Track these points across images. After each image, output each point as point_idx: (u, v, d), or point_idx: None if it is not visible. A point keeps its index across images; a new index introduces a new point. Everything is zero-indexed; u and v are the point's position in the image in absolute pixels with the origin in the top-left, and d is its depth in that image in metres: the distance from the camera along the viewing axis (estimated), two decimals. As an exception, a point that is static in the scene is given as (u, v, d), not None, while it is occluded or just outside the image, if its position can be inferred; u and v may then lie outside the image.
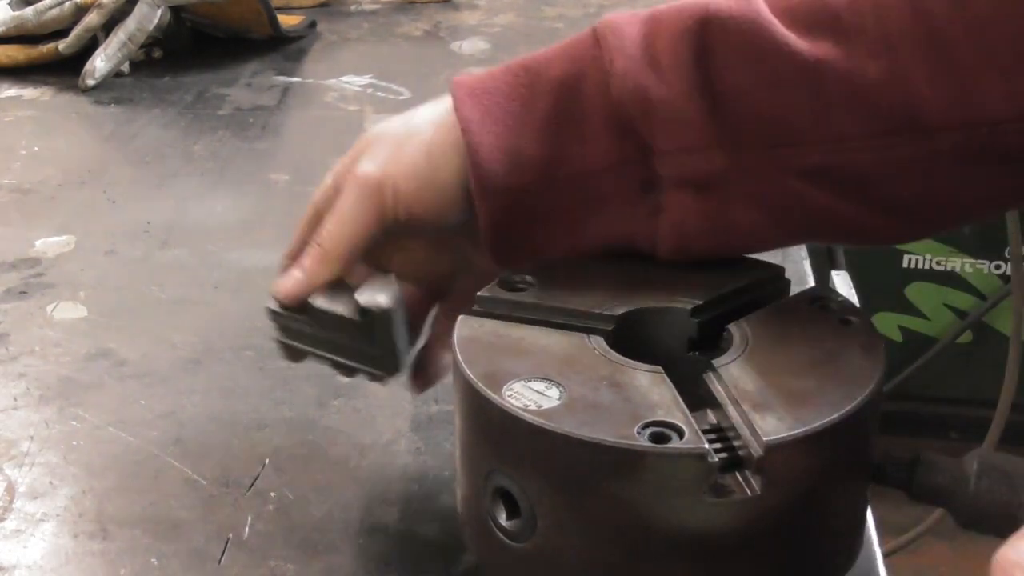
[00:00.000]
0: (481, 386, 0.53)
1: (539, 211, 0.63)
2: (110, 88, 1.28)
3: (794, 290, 0.78)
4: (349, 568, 0.64)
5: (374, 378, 0.68)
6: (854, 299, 0.80)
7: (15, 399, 0.78)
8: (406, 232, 0.66)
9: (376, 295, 0.64)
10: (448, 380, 0.73)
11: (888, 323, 2.15)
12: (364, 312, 0.64)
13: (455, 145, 0.64)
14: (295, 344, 0.68)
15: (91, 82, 1.27)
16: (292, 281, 0.66)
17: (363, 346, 0.66)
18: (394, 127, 0.67)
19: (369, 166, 0.65)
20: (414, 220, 0.64)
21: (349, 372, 0.69)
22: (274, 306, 0.67)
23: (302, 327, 0.67)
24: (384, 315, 0.64)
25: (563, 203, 0.63)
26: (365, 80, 1.29)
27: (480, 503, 0.55)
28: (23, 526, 0.67)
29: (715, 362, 0.56)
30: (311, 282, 0.65)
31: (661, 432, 0.50)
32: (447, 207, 0.64)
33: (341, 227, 0.65)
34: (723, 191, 0.61)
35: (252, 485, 0.70)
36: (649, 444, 0.50)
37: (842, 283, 0.82)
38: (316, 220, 0.67)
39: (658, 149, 0.61)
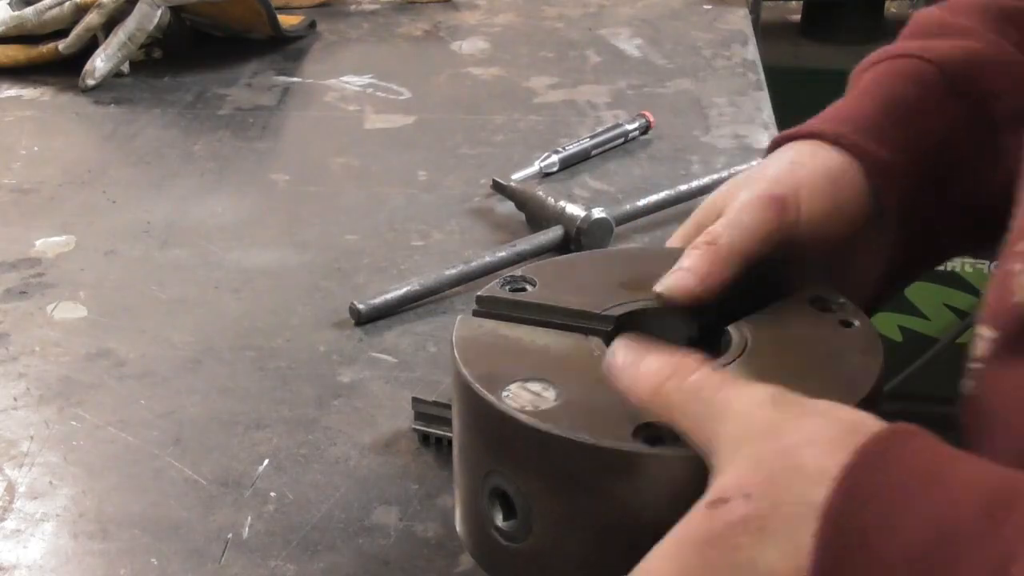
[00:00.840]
0: (478, 387, 0.53)
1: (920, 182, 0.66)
2: (110, 88, 1.28)
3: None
4: (349, 568, 0.64)
5: None
6: (854, 299, 0.80)
7: (15, 399, 0.78)
8: (800, 246, 0.64)
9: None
10: (445, 379, 0.73)
11: (888, 323, 2.15)
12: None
13: (850, 162, 0.65)
14: (432, 431, 0.71)
15: (91, 82, 1.27)
16: (679, 277, 0.59)
17: None
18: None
19: (768, 180, 0.64)
20: (815, 230, 0.64)
21: None
22: (419, 394, 0.70)
23: (445, 413, 0.68)
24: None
25: (934, 172, 0.67)
26: (365, 80, 1.29)
27: (477, 503, 0.55)
28: (23, 526, 0.67)
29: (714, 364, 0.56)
30: (702, 280, 0.59)
31: (656, 434, 0.50)
32: (846, 219, 0.65)
33: (739, 228, 0.61)
34: None
35: (252, 485, 0.70)
36: (644, 446, 0.50)
37: (842, 283, 0.82)
38: (707, 220, 0.64)
39: (996, 91, 0.67)
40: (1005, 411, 0.55)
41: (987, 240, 0.72)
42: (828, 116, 0.68)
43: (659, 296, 0.59)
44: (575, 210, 0.93)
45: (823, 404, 0.46)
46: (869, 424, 0.44)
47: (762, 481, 0.43)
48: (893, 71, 0.69)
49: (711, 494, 0.45)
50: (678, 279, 0.59)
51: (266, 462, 0.72)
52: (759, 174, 0.65)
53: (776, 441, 0.44)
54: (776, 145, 0.69)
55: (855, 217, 0.65)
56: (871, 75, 0.70)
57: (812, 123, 0.68)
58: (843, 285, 0.64)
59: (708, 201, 0.66)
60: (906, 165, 0.66)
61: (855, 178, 0.65)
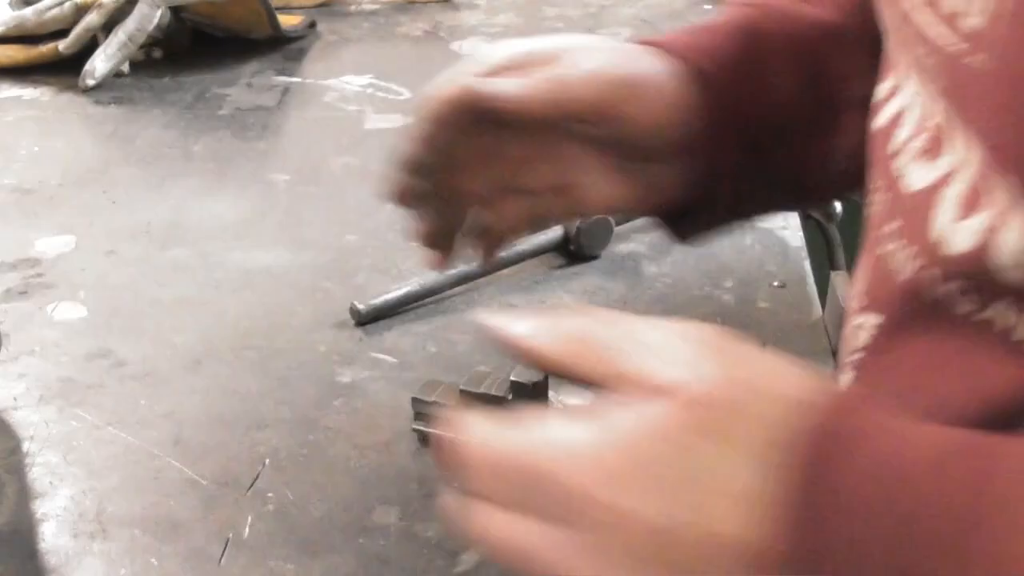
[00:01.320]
0: None
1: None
2: (110, 88, 1.28)
3: (794, 290, 0.79)
4: (349, 568, 0.64)
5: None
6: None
7: (15, 399, 0.78)
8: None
9: (525, 374, 0.69)
10: (445, 379, 0.74)
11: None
12: (517, 389, 0.69)
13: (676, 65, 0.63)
14: (432, 431, 0.71)
15: (91, 82, 1.27)
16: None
17: None
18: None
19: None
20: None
21: None
22: (419, 394, 0.71)
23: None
24: (537, 389, 0.69)
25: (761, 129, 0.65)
26: (365, 80, 1.29)
27: None
28: (23, 526, 0.67)
29: None
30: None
31: None
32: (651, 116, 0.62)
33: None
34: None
35: (252, 485, 0.70)
36: None
37: (842, 283, 0.82)
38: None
39: (839, 73, 0.65)
40: (892, 393, 0.54)
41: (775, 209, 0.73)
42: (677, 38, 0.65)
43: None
44: (575, 210, 0.93)
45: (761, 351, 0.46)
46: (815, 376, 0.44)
47: (734, 392, 0.42)
48: (748, 16, 0.66)
49: (679, 400, 0.42)
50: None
51: (266, 462, 0.72)
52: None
53: (739, 364, 0.43)
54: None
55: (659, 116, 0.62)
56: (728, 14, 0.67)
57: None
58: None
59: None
60: (732, 93, 0.63)
61: (674, 80, 0.62)
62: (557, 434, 0.43)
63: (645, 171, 0.64)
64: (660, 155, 0.63)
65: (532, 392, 0.69)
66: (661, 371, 0.43)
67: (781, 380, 0.43)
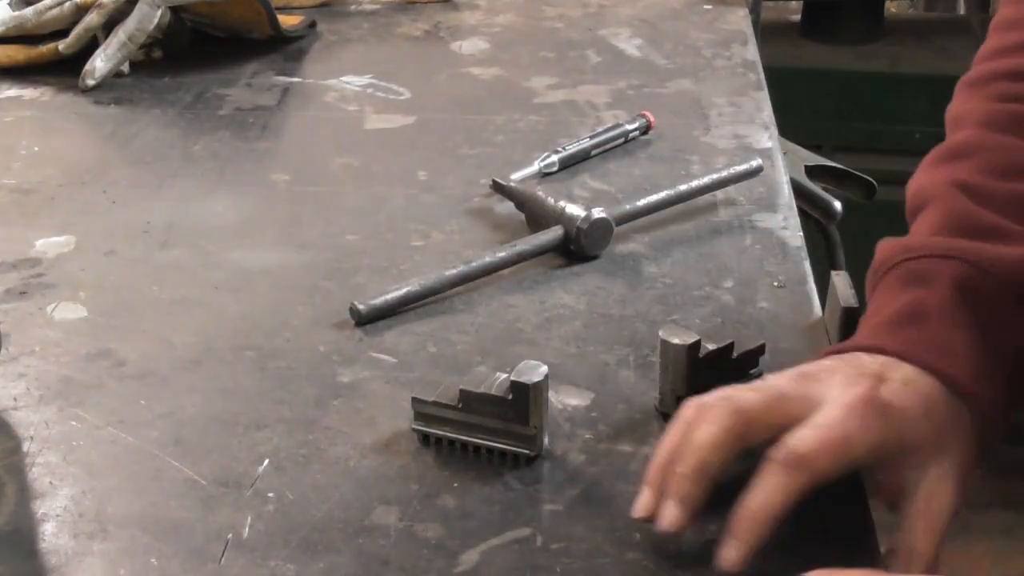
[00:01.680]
0: None
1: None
2: (110, 88, 1.28)
3: (794, 290, 0.78)
4: (349, 568, 0.64)
5: (516, 459, 0.71)
6: (854, 300, 0.81)
7: (15, 399, 0.78)
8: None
9: (525, 374, 0.69)
10: (445, 379, 0.73)
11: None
12: (518, 389, 0.69)
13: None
14: (432, 431, 0.72)
15: (91, 82, 1.27)
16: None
17: (512, 426, 0.70)
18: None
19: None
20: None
21: (489, 456, 0.71)
22: (419, 394, 0.72)
23: (445, 413, 0.71)
24: (536, 390, 0.69)
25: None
26: (365, 80, 1.29)
27: None
28: (23, 526, 0.67)
29: None
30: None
31: None
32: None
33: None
34: None
35: (252, 485, 0.70)
36: None
37: (842, 283, 0.82)
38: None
39: None
40: None
41: None
42: (921, 340, 0.69)
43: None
44: (575, 210, 0.93)
45: None
46: None
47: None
48: (955, 282, 0.70)
49: None
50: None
51: (266, 462, 0.72)
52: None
53: None
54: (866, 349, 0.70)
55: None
56: (937, 288, 0.71)
57: (916, 345, 0.69)
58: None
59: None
60: (1001, 395, 0.69)
61: (963, 421, 0.68)
62: None
63: None
64: None
65: (532, 392, 0.69)
66: None
67: None
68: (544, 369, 0.70)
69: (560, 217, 0.93)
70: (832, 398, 0.64)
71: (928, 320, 0.69)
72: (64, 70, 1.30)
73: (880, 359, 0.67)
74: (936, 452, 0.66)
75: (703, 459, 0.62)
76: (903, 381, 0.66)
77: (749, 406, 0.64)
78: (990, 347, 0.69)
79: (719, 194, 1.00)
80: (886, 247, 0.74)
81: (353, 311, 0.85)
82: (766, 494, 0.61)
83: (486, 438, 0.71)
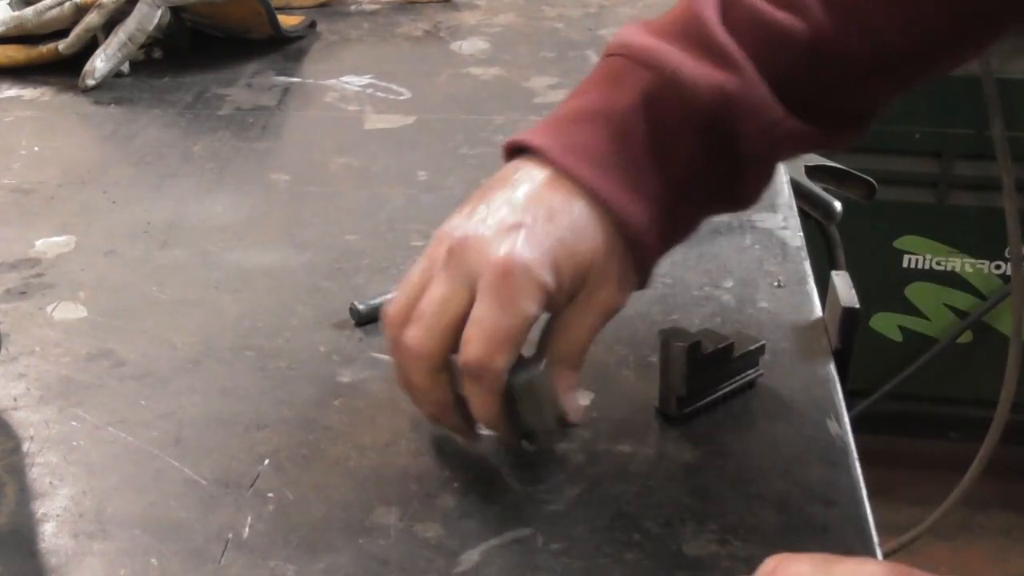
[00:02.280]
0: None
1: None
2: (110, 88, 1.28)
3: (794, 290, 0.78)
4: (349, 568, 0.64)
5: (526, 451, 0.70)
6: (854, 300, 0.80)
7: (15, 399, 0.78)
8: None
9: (518, 371, 0.67)
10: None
11: (888, 323, 2.15)
12: (509, 387, 0.66)
13: (594, 215, 0.68)
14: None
15: (91, 82, 1.27)
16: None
17: (513, 420, 0.68)
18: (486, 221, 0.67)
19: (521, 252, 0.65)
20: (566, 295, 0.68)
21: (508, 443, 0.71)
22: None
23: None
24: (528, 387, 0.67)
25: (681, 210, 0.70)
26: (365, 80, 1.29)
27: None
28: (23, 526, 0.67)
29: None
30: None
31: None
32: (593, 274, 0.68)
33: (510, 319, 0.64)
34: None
35: (252, 485, 0.70)
36: None
37: (842, 283, 0.82)
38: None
39: (746, 132, 0.68)
40: None
41: None
42: (572, 139, 0.69)
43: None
44: (575, 210, 0.92)
45: None
46: None
47: None
48: (643, 92, 0.69)
49: None
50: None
51: (266, 462, 0.72)
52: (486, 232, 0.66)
53: None
54: (513, 152, 0.71)
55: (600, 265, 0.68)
56: (616, 81, 0.71)
57: (554, 146, 0.70)
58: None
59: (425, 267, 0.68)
60: (657, 217, 0.69)
61: (608, 241, 0.68)
62: None
63: None
64: None
65: (528, 388, 0.68)
66: None
67: None
68: (541, 362, 0.68)
69: (560, 217, 0.93)
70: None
71: (596, 124, 0.69)
72: (64, 70, 1.30)
73: (540, 173, 0.68)
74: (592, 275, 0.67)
75: None
76: (549, 213, 0.66)
77: None
78: (658, 168, 0.68)
79: (719, 194, 1.00)
80: (618, 33, 0.72)
81: (353, 311, 0.85)
82: (479, 409, 0.67)
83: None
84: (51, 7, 1.33)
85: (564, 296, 0.66)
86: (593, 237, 0.67)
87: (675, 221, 0.70)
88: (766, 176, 0.72)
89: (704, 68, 0.67)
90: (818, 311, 0.85)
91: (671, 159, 0.68)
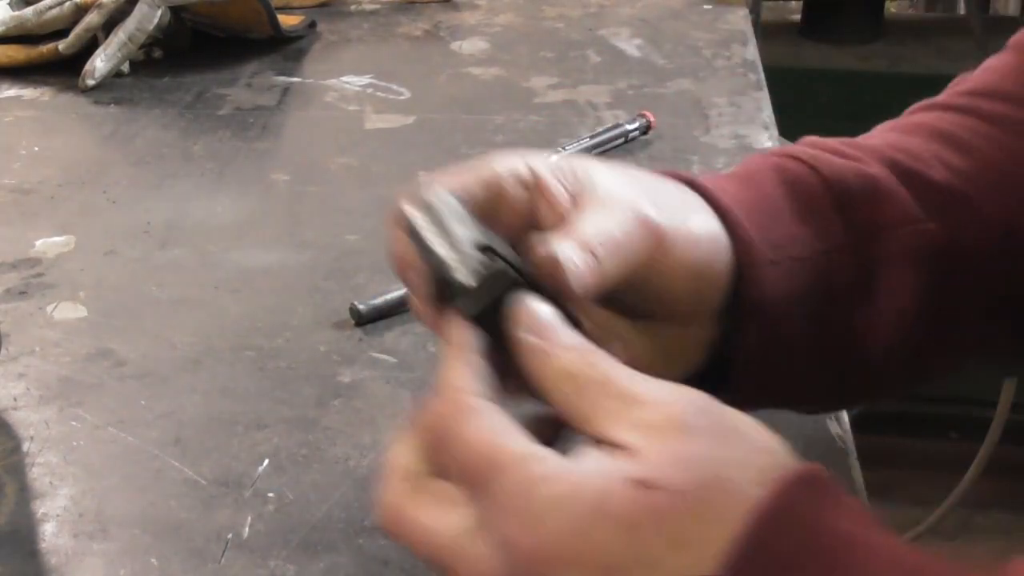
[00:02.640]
0: None
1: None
2: (110, 88, 1.28)
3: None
4: (349, 568, 0.64)
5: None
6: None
7: (15, 399, 0.78)
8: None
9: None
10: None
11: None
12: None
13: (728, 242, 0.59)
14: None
15: (91, 82, 1.27)
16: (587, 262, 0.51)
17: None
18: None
19: (654, 206, 0.56)
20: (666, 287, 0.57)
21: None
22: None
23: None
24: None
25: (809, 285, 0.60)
26: (365, 80, 1.29)
27: None
28: (23, 526, 0.67)
29: None
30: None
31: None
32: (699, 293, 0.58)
33: (617, 256, 0.53)
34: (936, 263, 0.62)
35: (252, 485, 0.70)
36: None
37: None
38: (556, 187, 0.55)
39: (884, 223, 0.61)
40: None
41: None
42: (722, 187, 0.61)
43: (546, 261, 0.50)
44: (575, 210, 0.92)
45: (746, 421, 0.46)
46: (787, 459, 0.45)
47: (695, 486, 0.43)
48: (782, 169, 0.63)
49: (633, 471, 0.43)
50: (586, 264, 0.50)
51: (266, 462, 0.72)
52: (637, 190, 0.57)
53: (709, 448, 0.44)
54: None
55: (707, 294, 0.58)
56: (765, 166, 0.64)
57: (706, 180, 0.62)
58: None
59: (561, 161, 0.56)
60: (780, 272, 0.59)
61: (727, 258, 0.58)
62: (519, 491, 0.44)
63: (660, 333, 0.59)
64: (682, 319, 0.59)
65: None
66: (631, 428, 0.44)
67: (751, 471, 0.44)
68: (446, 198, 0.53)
69: (560, 217, 0.93)
70: None
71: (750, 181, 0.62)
72: (64, 70, 1.30)
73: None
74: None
75: None
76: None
77: None
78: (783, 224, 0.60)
79: (719, 194, 1.00)
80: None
81: (353, 311, 0.85)
82: None
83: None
84: (51, 7, 1.33)
85: None
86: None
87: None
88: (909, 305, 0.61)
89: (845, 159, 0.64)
90: (818, 311, 0.85)
91: (803, 236, 0.61)
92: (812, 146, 0.65)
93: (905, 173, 0.63)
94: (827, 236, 0.61)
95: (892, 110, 0.75)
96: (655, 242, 0.55)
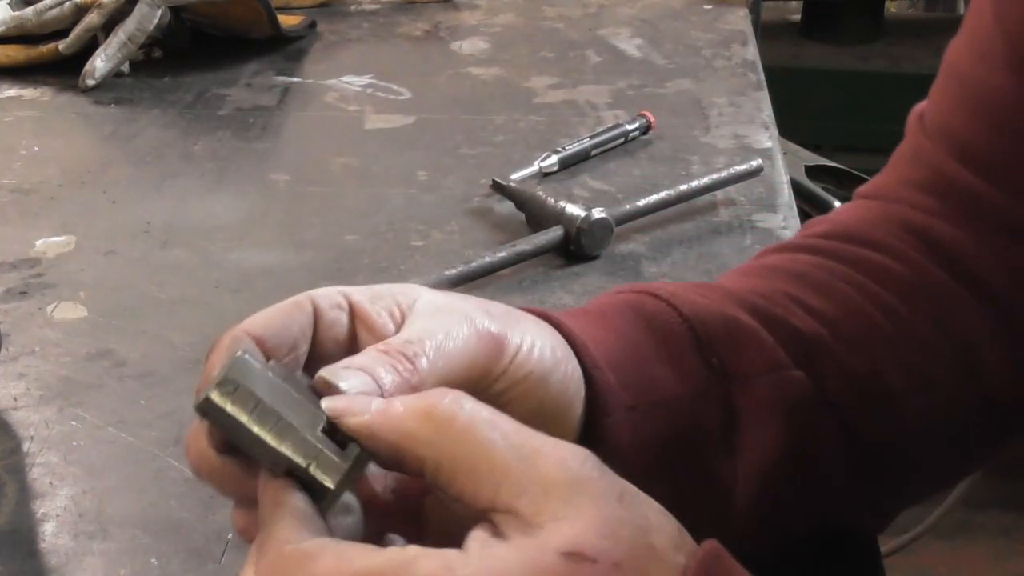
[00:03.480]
0: None
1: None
2: (110, 88, 1.28)
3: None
4: (349, 568, 0.64)
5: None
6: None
7: (15, 399, 0.78)
8: None
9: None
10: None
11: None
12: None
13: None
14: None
15: (91, 82, 1.27)
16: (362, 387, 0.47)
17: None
18: None
19: (495, 319, 0.51)
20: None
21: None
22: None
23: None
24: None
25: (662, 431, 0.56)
26: (365, 80, 1.29)
27: None
28: (23, 526, 0.67)
29: None
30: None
31: None
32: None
33: (446, 358, 0.49)
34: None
35: (252, 485, 0.70)
36: None
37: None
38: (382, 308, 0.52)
39: (749, 369, 0.58)
40: None
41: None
42: (579, 327, 0.56)
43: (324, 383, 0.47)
44: (575, 210, 0.93)
45: (631, 486, 0.44)
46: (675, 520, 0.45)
47: (628, 555, 0.42)
48: (641, 308, 0.59)
49: (558, 543, 0.41)
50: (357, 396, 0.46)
51: (266, 462, 0.72)
52: (479, 306, 0.52)
53: (625, 510, 0.43)
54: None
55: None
56: (620, 302, 0.60)
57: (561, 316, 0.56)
58: None
59: (383, 288, 0.52)
60: (637, 417, 0.55)
61: (579, 399, 0.54)
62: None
63: None
64: None
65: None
66: (529, 491, 0.42)
67: (667, 535, 0.43)
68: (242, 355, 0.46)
69: (560, 217, 0.93)
70: None
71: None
72: (64, 70, 1.30)
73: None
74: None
75: None
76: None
77: None
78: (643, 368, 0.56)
79: (719, 194, 1.00)
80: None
81: (353, 311, 0.85)
82: None
83: None
84: (51, 7, 1.33)
85: None
86: None
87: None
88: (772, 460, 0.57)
89: (707, 299, 0.60)
90: (818, 311, 0.85)
91: (664, 383, 0.57)
92: (663, 285, 0.61)
93: (766, 318, 0.60)
94: (689, 380, 0.57)
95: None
96: (495, 350, 0.50)
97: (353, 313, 0.51)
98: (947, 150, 0.67)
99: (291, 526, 0.44)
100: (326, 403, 0.46)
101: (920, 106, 0.72)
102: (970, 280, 0.65)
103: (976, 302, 0.65)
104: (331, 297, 0.51)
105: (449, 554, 0.42)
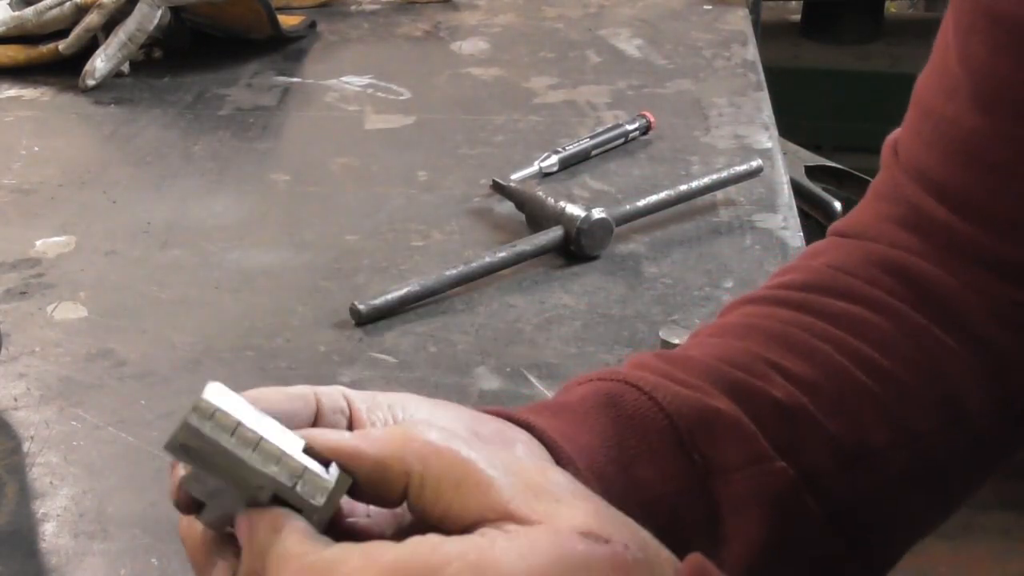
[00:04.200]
0: None
1: None
2: (110, 88, 1.28)
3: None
4: (349, 568, 0.64)
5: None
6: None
7: (15, 399, 0.78)
8: None
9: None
10: (442, 375, 0.73)
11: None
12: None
13: None
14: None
15: (91, 82, 1.27)
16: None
17: None
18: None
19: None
20: None
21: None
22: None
23: None
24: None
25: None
26: (365, 80, 1.29)
27: None
28: (23, 526, 0.67)
29: None
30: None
31: None
32: None
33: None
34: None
35: (252, 485, 0.70)
36: None
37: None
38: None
39: (731, 464, 0.57)
40: None
41: None
42: (562, 430, 0.56)
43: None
44: (575, 210, 0.93)
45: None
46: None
47: (631, 539, 0.43)
48: (621, 403, 0.58)
49: (577, 523, 0.43)
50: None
51: (266, 462, 0.72)
52: (471, 425, 0.53)
53: (613, 508, 0.45)
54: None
55: None
56: (601, 395, 0.59)
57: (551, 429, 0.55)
58: None
59: (382, 398, 0.53)
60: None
61: None
62: None
63: None
64: None
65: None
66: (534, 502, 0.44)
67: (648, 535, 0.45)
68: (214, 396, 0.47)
69: (560, 217, 0.93)
70: None
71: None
72: (64, 70, 1.30)
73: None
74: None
75: None
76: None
77: None
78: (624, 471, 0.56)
79: (719, 194, 1.00)
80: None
81: (353, 311, 0.85)
82: None
83: None
84: (51, 7, 1.33)
85: None
86: None
87: None
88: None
89: (688, 389, 0.59)
90: (818, 311, 0.85)
91: (646, 482, 0.56)
92: (640, 367, 0.60)
93: (744, 393, 0.59)
94: (671, 478, 0.56)
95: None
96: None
97: (351, 418, 0.52)
98: (923, 187, 0.67)
99: (302, 541, 0.44)
100: (304, 431, 0.47)
101: (893, 136, 0.71)
102: (952, 321, 0.64)
103: (959, 345, 0.64)
104: (335, 400, 0.52)
105: (471, 538, 0.43)
